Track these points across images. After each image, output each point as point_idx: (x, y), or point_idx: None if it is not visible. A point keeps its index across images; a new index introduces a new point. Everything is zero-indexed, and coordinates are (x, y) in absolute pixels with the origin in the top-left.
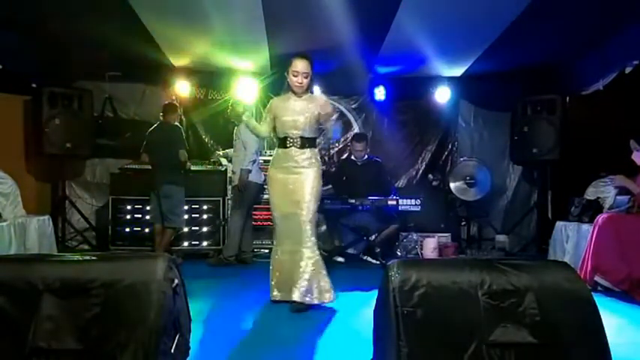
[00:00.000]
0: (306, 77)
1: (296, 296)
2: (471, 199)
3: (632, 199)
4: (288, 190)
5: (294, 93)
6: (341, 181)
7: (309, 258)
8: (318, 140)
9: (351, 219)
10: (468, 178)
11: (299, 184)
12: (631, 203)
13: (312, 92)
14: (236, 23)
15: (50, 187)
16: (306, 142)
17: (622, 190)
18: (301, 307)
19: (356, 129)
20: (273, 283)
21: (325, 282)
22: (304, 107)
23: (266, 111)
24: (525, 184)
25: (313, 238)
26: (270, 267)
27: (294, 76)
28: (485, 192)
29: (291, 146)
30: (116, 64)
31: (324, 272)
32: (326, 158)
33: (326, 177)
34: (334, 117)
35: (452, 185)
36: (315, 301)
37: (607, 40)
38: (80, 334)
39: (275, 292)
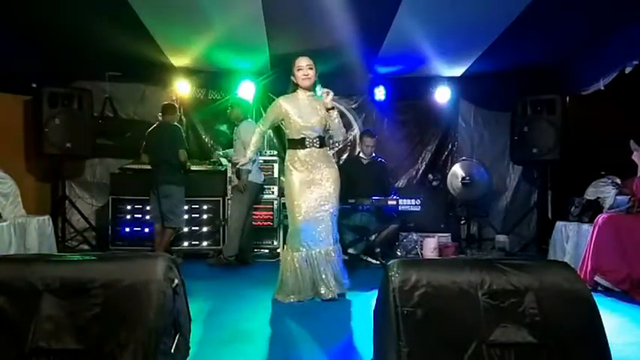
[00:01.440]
0: (311, 69)
1: (326, 290)
2: (467, 199)
3: (631, 199)
4: (315, 191)
5: (302, 89)
6: (346, 180)
7: (338, 253)
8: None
9: (351, 219)
10: (464, 177)
11: (325, 183)
12: (631, 203)
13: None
14: (236, 23)
15: (50, 187)
16: (323, 142)
17: (622, 190)
18: (333, 298)
19: (356, 129)
20: (288, 285)
21: (344, 275)
22: (315, 107)
23: (270, 111)
24: (525, 184)
25: (337, 234)
26: (288, 269)
27: (299, 70)
28: (482, 192)
29: (311, 146)
30: (116, 64)
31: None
32: None
33: None
34: (335, 115)
35: (449, 184)
36: (341, 291)
37: (607, 40)
38: (80, 334)
39: (292, 296)
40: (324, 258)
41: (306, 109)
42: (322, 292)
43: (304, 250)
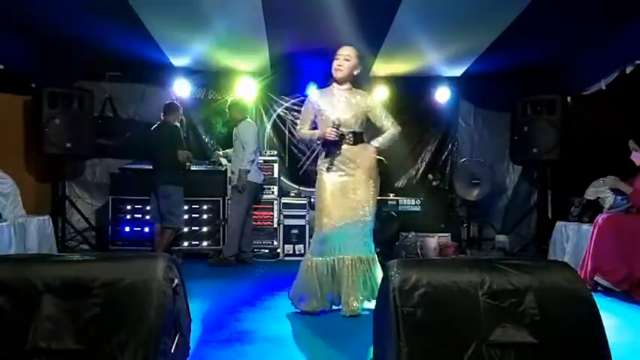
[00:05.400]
0: (346, 60)
1: (357, 303)
2: (476, 199)
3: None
4: (346, 194)
5: (337, 82)
6: None
7: (376, 263)
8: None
9: None
10: (472, 178)
11: (359, 186)
12: (630, 203)
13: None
14: (236, 23)
15: (50, 187)
16: (359, 138)
17: (618, 192)
18: (352, 314)
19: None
20: (301, 288)
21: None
22: (351, 102)
23: (304, 111)
24: (525, 184)
25: (372, 244)
26: (305, 271)
27: (336, 59)
28: (489, 192)
29: (343, 144)
30: (116, 64)
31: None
32: None
33: None
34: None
35: (457, 186)
36: (363, 305)
37: (607, 39)
38: (80, 334)
39: (314, 303)
40: (351, 267)
41: (340, 103)
42: (342, 306)
43: (327, 257)
